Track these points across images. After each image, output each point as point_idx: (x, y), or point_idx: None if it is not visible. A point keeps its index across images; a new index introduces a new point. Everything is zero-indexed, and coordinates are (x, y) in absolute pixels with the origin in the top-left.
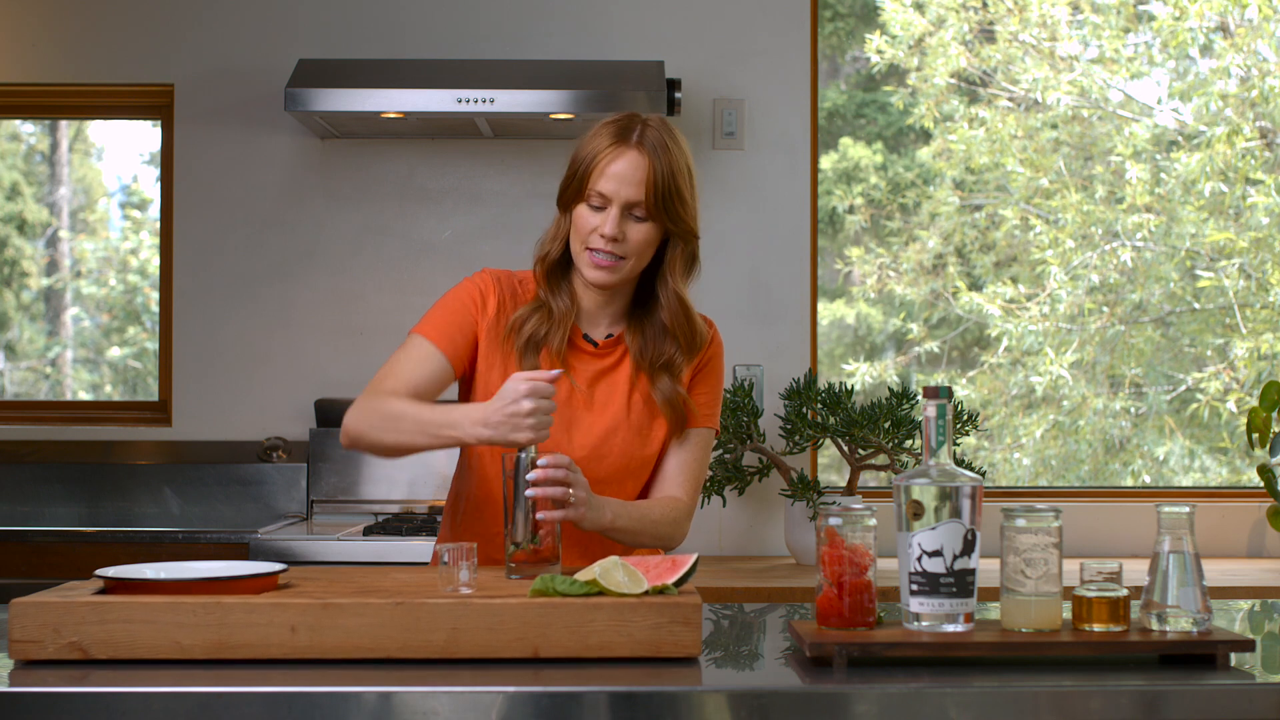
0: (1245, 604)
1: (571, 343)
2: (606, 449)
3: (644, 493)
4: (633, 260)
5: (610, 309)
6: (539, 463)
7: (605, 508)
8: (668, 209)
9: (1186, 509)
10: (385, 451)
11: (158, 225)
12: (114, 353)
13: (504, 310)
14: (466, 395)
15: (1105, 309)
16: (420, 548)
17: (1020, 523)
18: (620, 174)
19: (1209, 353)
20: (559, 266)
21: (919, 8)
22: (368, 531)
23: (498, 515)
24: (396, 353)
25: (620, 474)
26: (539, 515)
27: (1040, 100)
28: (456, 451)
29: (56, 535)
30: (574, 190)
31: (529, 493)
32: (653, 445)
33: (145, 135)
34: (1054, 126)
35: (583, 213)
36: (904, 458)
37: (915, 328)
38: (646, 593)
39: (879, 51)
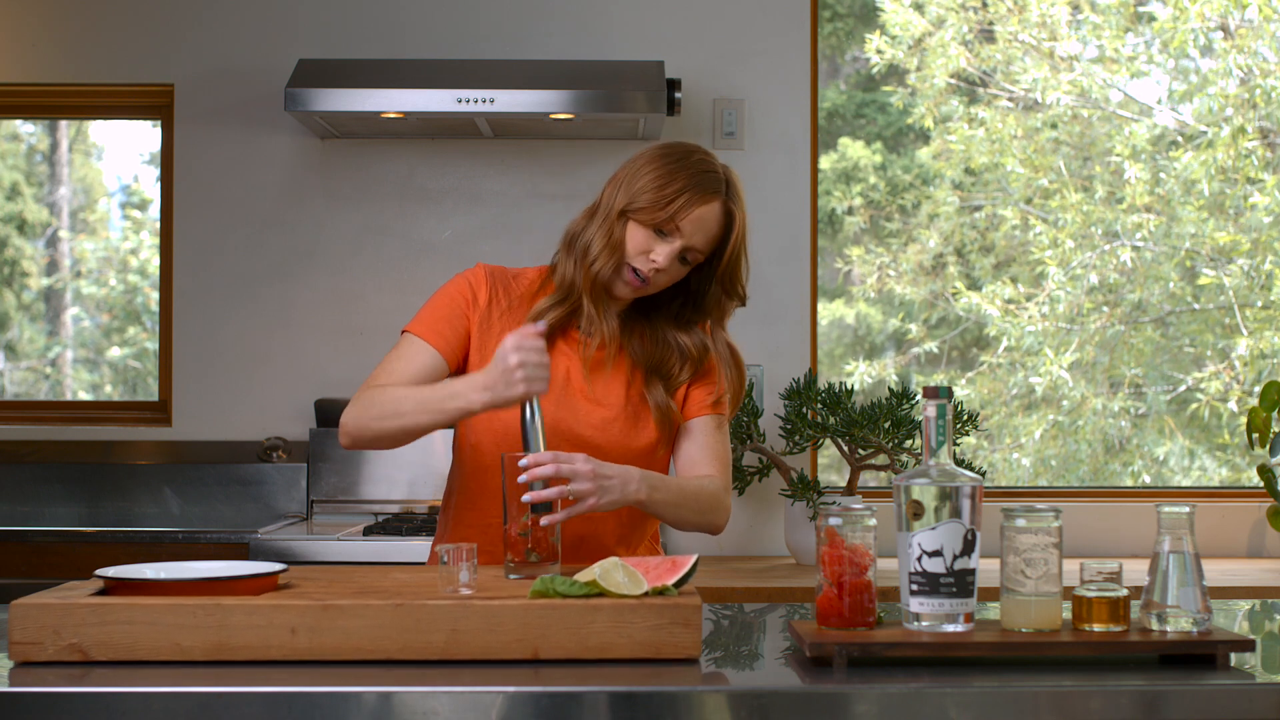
0: (1245, 604)
1: (567, 334)
2: (604, 438)
3: None
4: (654, 290)
5: (617, 307)
6: (520, 463)
7: (629, 480)
8: (731, 270)
9: (1186, 509)
10: (389, 439)
11: (158, 225)
12: (114, 353)
13: (495, 302)
14: None
15: (1105, 309)
16: (420, 548)
17: (1020, 523)
18: (705, 223)
19: (1209, 353)
20: (605, 282)
21: (918, 8)
22: (368, 531)
23: (492, 505)
24: (389, 353)
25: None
26: (542, 521)
27: (1040, 100)
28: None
29: (56, 535)
30: (653, 215)
31: (525, 498)
32: (645, 437)
33: (145, 135)
34: (1054, 126)
35: (644, 232)
36: (904, 458)
37: (914, 328)
38: (646, 594)
39: (879, 52)
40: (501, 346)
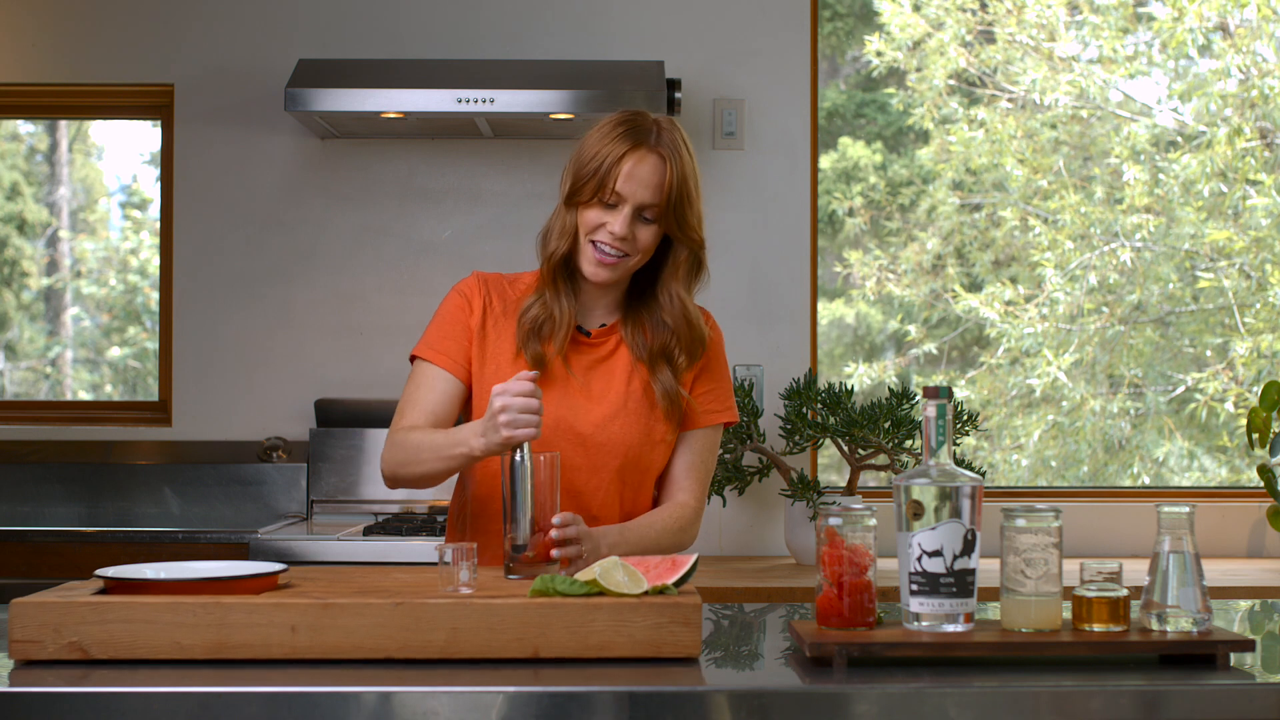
0: (1245, 604)
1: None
2: (605, 436)
3: (655, 492)
4: (635, 259)
5: (605, 300)
6: (554, 520)
7: (601, 544)
8: (677, 215)
9: (1186, 509)
10: (419, 483)
11: (158, 225)
12: (114, 353)
13: (490, 311)
14: (467, 401)
15: (1104, 309)
16: (420, 548)
17: (1020, 523)
18: (639, 176)
19: (1208, 353)
20: (564, 265)
21: (917, 9)
22: (368, 531)
23: (500, 518)
24: (407, 384)
25: (622, 463)
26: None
27: (1039, 101)
28: None
29: (56, 535)
30: (591, 189)
31: (556, 553)
32: (656, 437)
33: (145, 135)
34: (1053, 126)
35: (593, 209)
36: (904, 458)
37: (914, 329)
38: (646, 593)
39: (878, 54)
40: (492, 392)
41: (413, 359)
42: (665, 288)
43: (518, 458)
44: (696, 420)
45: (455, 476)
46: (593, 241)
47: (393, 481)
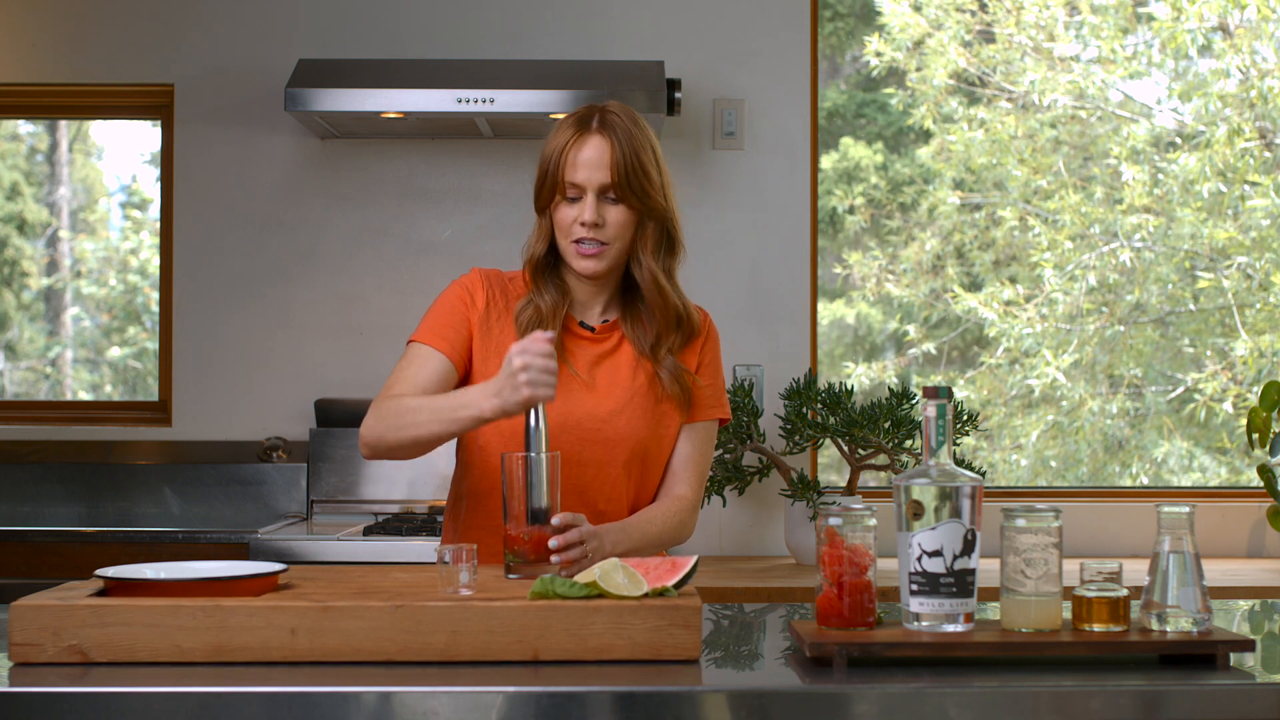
0: (1245, 604)
1: (568, 329)
2: (611, 430)
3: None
4: (616, 244)
5: (602, 296)
6: (554, 521)
7: (604, 542)
8: (633, 186)
9: (1186, 509)
10: (405, 449)
11: (158, 225)
12: (114, 353)
13: (493, 305)
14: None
15: (1104, 309)
16: (420, 548)
17: (1020, 523)
18: (588, 160)
19: (1208, 353)
20: (546, 264)
21: (917, 9)
22: (368, 531)
23: (500, 508)
24: (398, 363)
25: (629, 457)
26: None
27: (1039, 101)
28: (455, 451)
29: (56, 535)
30: (549, 190)
31: (555, 559)
32: (665, 430)
33: (145, 135)
34: (1053, 126)
35: (561, 208)
36: (904, 458)
37: (913, 329)
38: (646, 595)
39: (877, 54)
40: (509, 351)
41: (409, 345)
42: (637, 261)
43: (533, 420)
44: (695, 413)
45: (452, 478)
46: (574, 240)
47: (374, 449)
